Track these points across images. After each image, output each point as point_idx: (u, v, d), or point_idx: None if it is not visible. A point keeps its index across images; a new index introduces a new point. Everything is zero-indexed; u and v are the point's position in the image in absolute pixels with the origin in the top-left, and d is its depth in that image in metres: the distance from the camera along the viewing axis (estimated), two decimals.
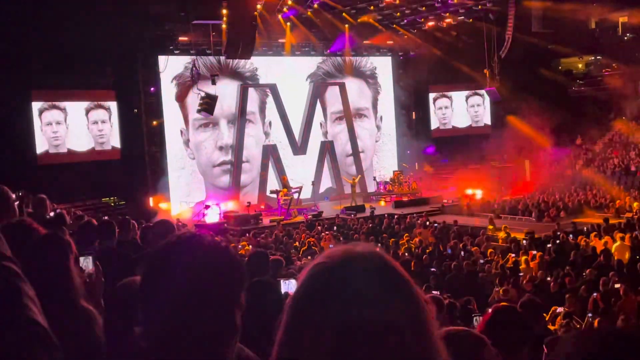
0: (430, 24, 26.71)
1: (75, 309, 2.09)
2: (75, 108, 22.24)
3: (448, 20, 26.19)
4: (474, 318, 7.06)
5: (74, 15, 18.78)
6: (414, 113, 29.65)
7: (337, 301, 0.96)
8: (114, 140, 22.92)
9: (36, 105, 21.39)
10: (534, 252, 13.15)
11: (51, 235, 2.30)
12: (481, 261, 12.97)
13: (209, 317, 1.29)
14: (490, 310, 2.56)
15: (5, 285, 0.96)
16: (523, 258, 12.87)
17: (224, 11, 19.32)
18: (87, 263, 2.64)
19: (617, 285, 9.56)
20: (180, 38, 23.15)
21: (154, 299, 1.31)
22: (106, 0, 19.14)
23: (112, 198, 21.91)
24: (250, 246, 15.12)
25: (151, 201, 21.97)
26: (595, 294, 9.15)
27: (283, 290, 3.71)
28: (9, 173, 14.54)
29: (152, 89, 23.22)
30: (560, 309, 8.12)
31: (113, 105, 22.87)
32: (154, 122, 23.14)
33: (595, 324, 7.28)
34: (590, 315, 8.08)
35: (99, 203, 21.55)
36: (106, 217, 9.63)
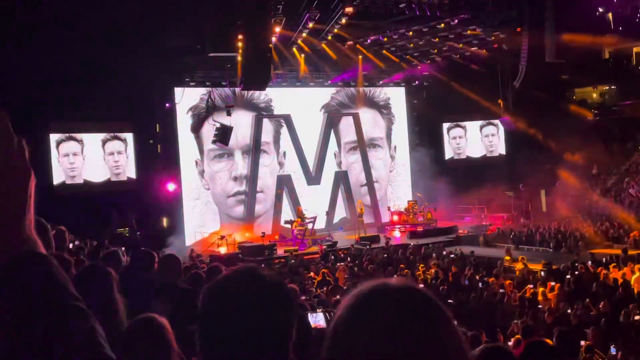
0: (444, 54, 26.87)
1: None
2: (92, 139, 22.49)
3: (461, 51, 26.35)
4: None
5: (91, 48, 19.14)
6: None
7: (377, 334, 0.97)
8: (130, 171, 23.08)
9: (54, 137, 21.68)
10: (552, 283, 12.98)
11: (94, 267, 2.43)
12: (501, 291, 12.80)
13: (266, 349, 1.33)
14: (522, 344, 2.50)
15: (82, 326, 0.98)
16: (541, 290, 12.69)
17: (240, 44, 19.57)
18: None
19: (637, 317, 9.39)
20: (196, 70, 23.46)
21: (213, 332, 1.36)
22: (123, 33, 19.44)
23: (126, 229, 21.96)
24: None
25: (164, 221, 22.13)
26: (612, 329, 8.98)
27: (312, 323, 3.67)
28: None
29: (167, 104, 23.40)
30: (583, 343, 7.97)
31: (129, 136, 23.09)
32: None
33: (619, 356, 7.12)
34: (613, 348, 7.91)
35: (114, 233, 21.59)
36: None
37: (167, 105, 23.44)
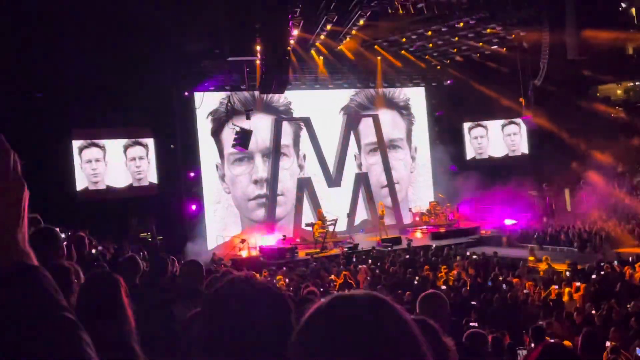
0: (463, 54, 26.68)
1: (131, 337, 2.23)
2: (114, 145, 22.73)
3: (481, 50, 26.14)
4: (519, 352, 6.84)
5: (112, 55, 19.35)
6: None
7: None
8: (152, 176, 23.26)
9: (76, 144, 21.96)
10: (578, 283, 12.77)
11: (102, 273, 2.49)
12: (525, 291, 12.63)
13: (264, 355, 1.36)
14: (540, 346, 2.43)
15: (68, 337, 1.01)
16: (566, 290, 12.48)
17: (258, 47, 19.62)
18: None
19: None
20: (215, 74, 23.57)
21: (213, 338, 1.40)
22: (143, 39, 19.61)
23: (148, 233, 22.12)
24: (287, 280, 15.05)
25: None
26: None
27: None
28: (50, 210, 14.80)
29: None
30: (608, 344, 7.81)
31: (150, 141, 23.27)
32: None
33: None
34: (639, 350, 7.74)
35: (137, 238, 21.78)
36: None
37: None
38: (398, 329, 1.00)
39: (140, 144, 23.22)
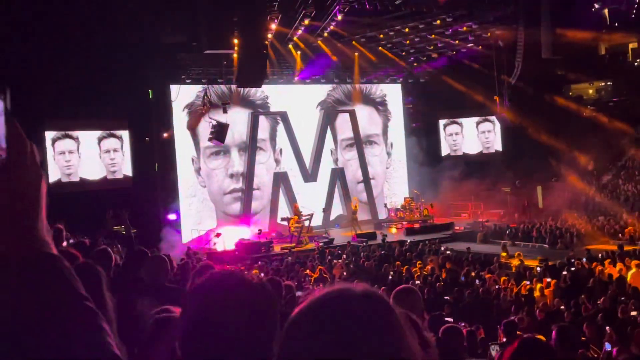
0: (440, 51, 26.88)
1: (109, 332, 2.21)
2: (88, 137, 22.42)
3: (457, 47, 26.35)
4: (491, 347, 6.96)
5: (87, 45, 19.07)
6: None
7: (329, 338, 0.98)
8: (126, 169, 23.02)
9: (49, 135, 21.60)
10: (549, 279, 13.01)
11: (84, 265, 2.43)
12: (497, 286, 12.83)
13: (249, 349, 1.34)
14: (516, 341, 2.50)
15: (92, 326, 1.03)
16: (538, 286, 12.72)
17: (236, 41, 19.53)
18: None
19: (633, 313, 9.39)
20: (192, 67, 23.39)
21: (196, 333, 1.36)
22: (119, 30, 19.38)
23: (122, 226, 21.88)
24: (263, 274, 15.06)
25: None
26: (608, 328, 8.98)
27: None
28: None
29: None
30: None
31: (125, 134, 23.02)
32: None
33: (614, 353, 7.13)
34: (608, 344, 7.92)
35: (111, 231, 21.52)
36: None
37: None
38: (393, 326, 1.02)
39: (114, 136, 22.96)
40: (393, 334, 1.01)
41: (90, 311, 1.05)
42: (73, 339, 1.00)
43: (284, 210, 25.07)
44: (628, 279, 12.49)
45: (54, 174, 21.57)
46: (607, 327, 8.74)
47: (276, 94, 25.68)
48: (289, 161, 26.03)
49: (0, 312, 1.00)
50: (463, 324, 7.68)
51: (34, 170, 1.09)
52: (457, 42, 25.68)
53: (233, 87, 23.73)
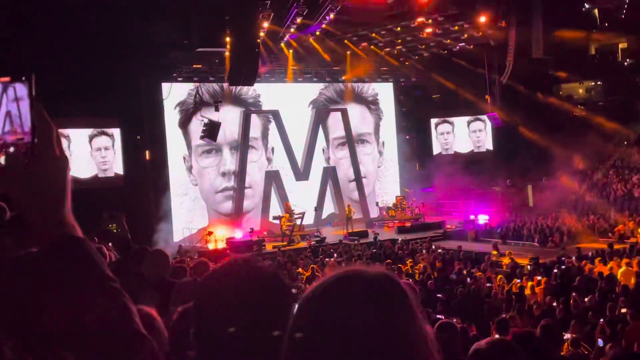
0: (431, 50, 26.92)
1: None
2: (79, 135, 22.30)
3: (449, 46, 26.41)
4: None
5: (78, 43, 18.95)
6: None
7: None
8: (117, 167, 22.93)
9: None
10: (539, 277, 13.10)
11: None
12: (488, 284, 12.89)
13: (262, 342, 1.33)
14: (509, 336, 2.53)
15: (119, 305, 1.07)
16: (529, 284, 12.81)
17: (228, 39, 19.49)
18: None
19: (623, 311, 9.48)
20: (184, 66, 23.33)
21: (211, 322, 1.37)
22: (110, 28, 19.28)
23: (113, 225, 21.80)
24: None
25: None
26: (602, 320, 9.06)
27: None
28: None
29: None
30: (567, 335, 8.05)
31: (116, 132, 22.92)
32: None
33: (607, 349, 7.19)
34: (600, 341, 8.00)
35: (103, 229, 21.43)
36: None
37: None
38: (406, 307, 1.05)
39: (106, 134, 22.87)
40: (406, 315, 1.04)
41: (117, 291, 1.08)
42: (101, 317, 1.03)
43: (275, 209, 25.06)
44: (618, 276, 12.61)
45: None
46: (601, 320, 8.84)
47: (268, 93, 25.66)
48: (280, 160, 26.02)
49: (31, 294, 1.03)
50: (455, 321, 7.72)
51: (60, 154, 1.15)
52: (448, 41, 25.74)
53: (225, 85, 23.68)
